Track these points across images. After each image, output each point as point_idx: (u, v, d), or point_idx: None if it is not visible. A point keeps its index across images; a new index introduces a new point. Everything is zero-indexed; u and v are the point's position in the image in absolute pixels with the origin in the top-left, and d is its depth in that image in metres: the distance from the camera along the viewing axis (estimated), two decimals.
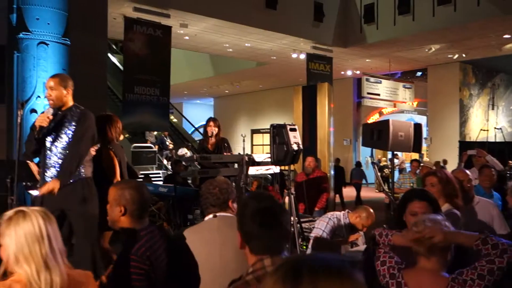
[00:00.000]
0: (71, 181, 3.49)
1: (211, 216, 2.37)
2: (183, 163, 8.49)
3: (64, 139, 3.55)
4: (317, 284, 0.81)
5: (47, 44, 6.96)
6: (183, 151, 13.21)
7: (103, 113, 4.59)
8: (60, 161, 3.51)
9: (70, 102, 3.59)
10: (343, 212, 4.45)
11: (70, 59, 7.33)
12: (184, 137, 17.69)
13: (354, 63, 16.85)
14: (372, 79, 15.82)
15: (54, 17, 7.04)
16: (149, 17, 10.68)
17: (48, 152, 3.54)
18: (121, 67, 15.42)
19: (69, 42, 7.26)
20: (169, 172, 11.79)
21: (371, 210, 4.36)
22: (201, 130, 20.00)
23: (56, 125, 3.52)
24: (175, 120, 18.91)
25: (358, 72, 18.02)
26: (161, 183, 10.47)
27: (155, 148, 14.15)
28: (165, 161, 14.58)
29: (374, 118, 19.74)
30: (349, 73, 18.42)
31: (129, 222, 2.19)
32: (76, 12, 7.64)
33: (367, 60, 16.30)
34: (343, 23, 14.10)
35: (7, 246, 1.61)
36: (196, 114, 25.34)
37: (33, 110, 6.92)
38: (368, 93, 15.58)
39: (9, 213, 1.68)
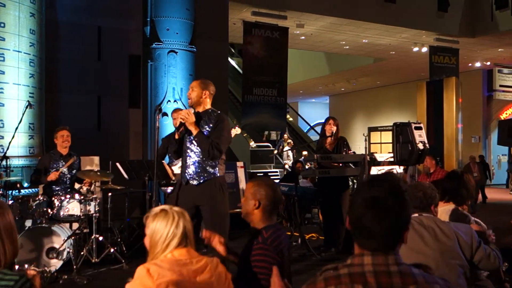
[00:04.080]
0: (204, 180, 3.71)
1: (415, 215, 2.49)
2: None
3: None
4: None
5: (176, 52, 7.50)
6: None
7: None
8: (199, 159, 3.72)
9: (207, 105, 3.82)
10: None
11: (196, 64, 7.82)
12: (300, 136, 17.81)
13: (483, 54, 15.48)
14: (505, 70, 14.42)
15: (182, 27, 7.57)
16: (267, 20, 10.95)
17: (188, 151, 3.78)
18: (239, 70, 16.04)
19: (195, 49, 7.74)
20: (289, 171, 11.86)
21: None
22: (317, 128, 19.99)
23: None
24: (291, 119, 19.13)
25: (488, 63, 16.52)
26: (277, 181, 10.73)
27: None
28: (287, 162, 14.65)
29: (508, 113, 17.92)
30: (477, 64, 16.98)
31: (260, 216, 2.36)
32: (200, 20, 8.12)
33: (499, 50, 14.86)
34: (471, 11, 13.05)
35: (149, 236, 1.94)
36: (312, 113, 25.36)
37: (164, 114, 7.51)
38: (501, 86, 14.25)
39: (156, 209, 1.98)
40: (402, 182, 1.42)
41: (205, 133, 3.69)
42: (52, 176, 5.02)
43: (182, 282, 1.84)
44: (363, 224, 1.32)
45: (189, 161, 3.75)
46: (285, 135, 14.39)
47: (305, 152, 13.80)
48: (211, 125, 3.72)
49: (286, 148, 13.55)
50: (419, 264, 1.39)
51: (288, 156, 13.66)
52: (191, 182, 3.72)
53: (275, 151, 15.08)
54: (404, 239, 1.35)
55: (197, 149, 3.73)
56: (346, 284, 1.28)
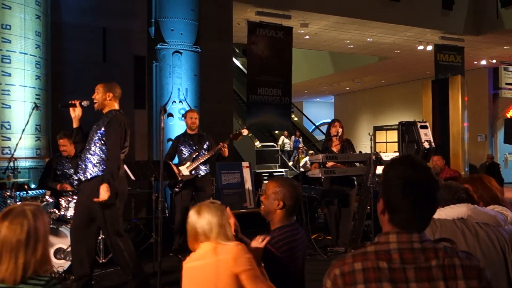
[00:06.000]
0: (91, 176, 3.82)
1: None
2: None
3: (94, 139, 3.86)
4: None
5: (181, 53, 7.52)
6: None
7: None
8: (89, 157, 3.83)
9: (111, 107, 3.94)
10: None
11: (200, 65, 7.83)
12: (305, 136, 17.80)
13: (489, 52, 15.41)
14: (511, 68, 14.30)
15: (186, 28, 7.58)
16: (271, 19, 10.95)
17: (86, 148, 3.90)
18: (244, 70, 16.04)
19: (200, 50, 7.75)
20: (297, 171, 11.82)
21: None
22: (322, 128, 19.95)
23: (95, 126, 3.90)
24: (296, 118, 19.12)
25: (494, 61, 16.44)
26: None
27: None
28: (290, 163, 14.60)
29: None
30: (483, 62, 16.90)
31: (282, 215, 2.38)
32: (205, 21, 8.13)
33: (505, 48, 14.78)
34: (476, 9, 13.00)
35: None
36: (317, 112, 25.34)
37: (170, 114, 7.54)
38: (507, 84, 14.15)
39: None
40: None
41: (99, 133, 3.82)
42: (66, 186, 5.11)
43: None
44: (398, 204, 1.38)
45: (83, 157, 3.89)
46: (300, 145, 14.24)
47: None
48: (103, 127, 3.83)
49: (306, 159, 13.30)
50: (444, 238, 1.45)
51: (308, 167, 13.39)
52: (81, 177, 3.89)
53: (290, 163, 14.99)
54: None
55: (89, 147, 3.85)
56: (371, 260, 1.35)
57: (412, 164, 1.42)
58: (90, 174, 3.79)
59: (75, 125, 3.93)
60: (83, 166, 3.83)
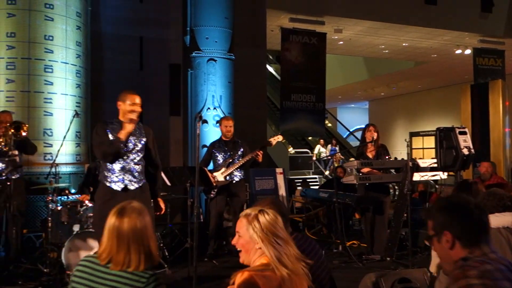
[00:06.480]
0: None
1: None
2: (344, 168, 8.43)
3: (136, 148, 3.90)
4: None
5: (215, 61, 7.63)
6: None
7: None
8: (136, 167, 3.87)
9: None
10: None
11: (234, 72, 7.91)
12: (340, 142, 17.63)
13: None
14: None
15: (220, 35, 7.69)
16: (305, 26, 10.94)
17: (125, 158, 3.87)
18: (277, 76, 16.07)
19: (233, 57, 7.83)
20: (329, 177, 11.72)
21: None
22: (357, 134, 19.71)
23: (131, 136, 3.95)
24: (329, 125, 18.98)
25: None
26: (316, 187, 10.67)
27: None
28: (326, 171, 14.43)
29: None
30: None
31: None
32: (238, 28, 8.21)
33: None
34: None
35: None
36: (351, 118, 25.06)
37: (204, 121, 7.62)
38: None
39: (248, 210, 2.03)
40: None
41: (140, 142, 3.92)
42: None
43: None
44: (480, 226, 1.59)
45: (127, 167, 3.89)
46: (338, 154, 14.07)
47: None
48: (143, 136, 3.96)
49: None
50: None
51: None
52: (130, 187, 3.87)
53: (326, 172, 14.88)
54: None
55: (133, 156, 3.90)
56: (491, 263, 1.49)
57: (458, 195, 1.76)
58: (139, 182, 3.90)
59: (125, 138, 3.82)
60: (129, 175, 3.86)
